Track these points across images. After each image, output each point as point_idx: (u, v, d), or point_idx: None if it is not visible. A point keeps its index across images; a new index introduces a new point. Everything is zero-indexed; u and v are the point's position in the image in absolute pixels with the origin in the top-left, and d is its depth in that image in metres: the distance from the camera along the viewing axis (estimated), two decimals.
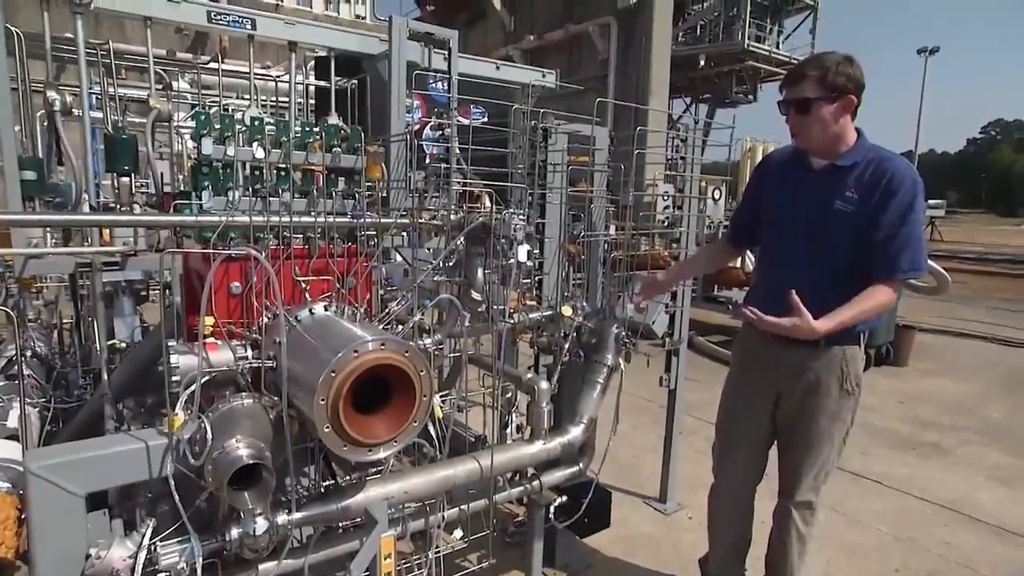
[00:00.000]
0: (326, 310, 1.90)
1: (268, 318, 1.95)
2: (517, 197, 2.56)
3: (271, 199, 2.18)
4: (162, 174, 3.03)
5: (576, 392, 2.51)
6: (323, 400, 1.52)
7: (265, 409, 1.70)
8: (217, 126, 2.14)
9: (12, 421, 2.79)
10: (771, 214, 2.33)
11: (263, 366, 1.77)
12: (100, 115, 3.90)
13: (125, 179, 2.77)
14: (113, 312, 4.27)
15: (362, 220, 2.12)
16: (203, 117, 2.16)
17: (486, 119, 4.10)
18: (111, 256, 2.72)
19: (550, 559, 2.88)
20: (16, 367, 3.49)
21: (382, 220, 2.16)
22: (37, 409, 3.16)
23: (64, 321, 4.94)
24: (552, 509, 2.51)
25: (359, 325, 1.73)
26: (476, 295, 2.16)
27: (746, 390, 2.44)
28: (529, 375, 2.34)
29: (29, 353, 3.77)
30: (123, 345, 4.07)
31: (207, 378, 1.73)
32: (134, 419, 3.16)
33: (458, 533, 2.42)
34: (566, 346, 2.47)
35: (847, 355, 2.18)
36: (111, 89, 3.68)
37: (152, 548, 1.56)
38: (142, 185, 2.96)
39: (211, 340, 1.84)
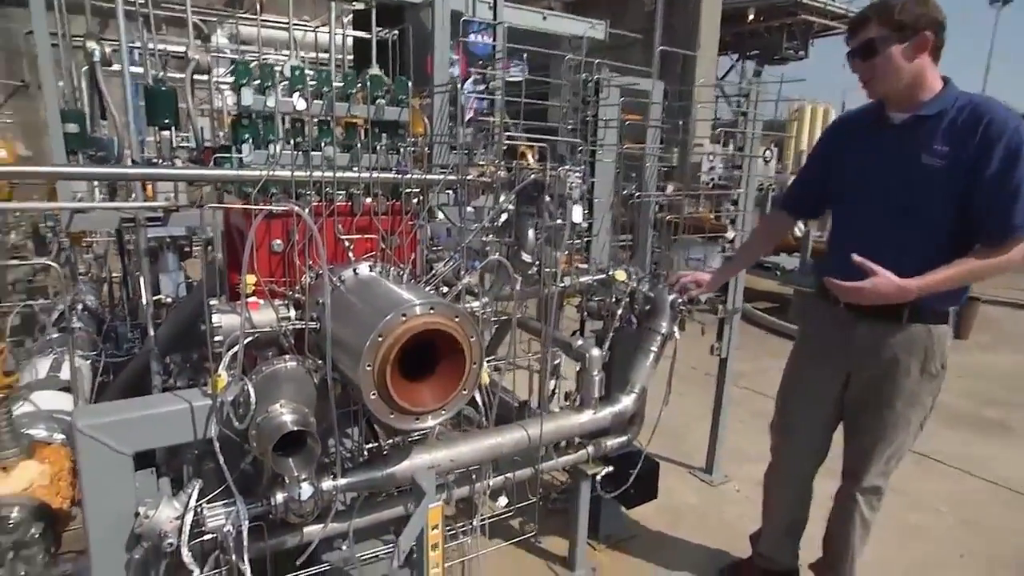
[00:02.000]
0: (371, 270, 1.82)
1: (311, 277, 1.88)
2: (567, 154, 2.41)
3: (313, 153, 2.08)
4: (202, 129, 2.96)
5: (627, 360, 2.40)
6: (369, 366, 1.45)
7: (309, 372, 1.64)
8: (257, 77, 2.04)
9: (65, 373, 2.83)
10: (846, 180, 2.08)
11: (307, 328, 1.70)
12: (140, 71, 3.85)
13: (166, 133, 2.70)
14: (158, 267, 4.32)
15: (407, 176, 2.01)
16: (243, 67, 2.05)
17: (526, 73, 3.91)
18: (153, 211, 2.67)
19: (594, 528, 2.82)
20: (73, 323, 3.56)
21: (428, 176, 2.05)
22: (89, 362, 3.21)
23: (113, 275, 5.03)
24: (598, 479, 2.44)
25: (406, 287, 1.63)
26: (526, 257, 2.04)
27: (813, 368, 2.26)
28: (580, 341, 2.24)
29: (80, 307, 3.84)
30: (168, 300, 4.12)
31: (250, 339, 1.68)
32: (180, 374, 3.19)
33: (503, 501, 2.38)
34: (619, 312, 2.34)
35: (933, 334, 1.95)
36: (150, 43, 3.61)
37: (198, 510, 1.53)
38: (183, 140, 2.90)
39: (253, 299, 1.78)
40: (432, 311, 1.50)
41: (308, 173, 1.88)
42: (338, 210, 1.94)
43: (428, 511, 1.58)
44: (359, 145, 2.13)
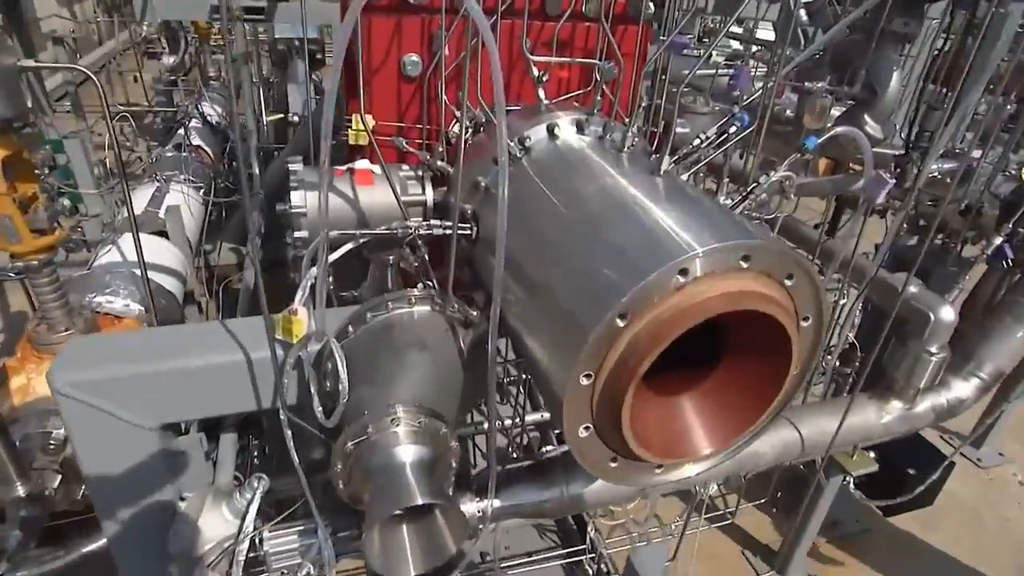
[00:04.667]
0: (581, 131, 0.92)
1: (465, 128, 1.04)
2: None
3: None
4: None
5: (980, 319, 1.41)
6: (588, 376, 0.63)
7: (451, 327, 0.87)
8: None
9: (164, 210, 2.30)
10: None
11: (454, 233, 0.90)
12: None
13: None
14: (287, 77, 3.64)
15: None
16: None
17: None
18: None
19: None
20: (184, 140, 3.01)
21: None
22: (200, 192, 2.70)
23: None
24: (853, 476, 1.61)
25: (666, 190, 0.74)
26: (872, 127, 1.04)
27: None
28: (915, 289, 1.25)
29: (199, 123, 3.28)
30: (295, 119, 3.49)
31: (350, 245, 0.91)
32: None
33: (712, 487, 1.62)
34: (998, 240, 1.30)
35: None
36: None
37: (257, 539, 0.89)
38: None
39: (363, 164, 0.99)
40: (746, 265, 0.62)
41: None
42: (516, 9, 1.02)
43: None
44: None
